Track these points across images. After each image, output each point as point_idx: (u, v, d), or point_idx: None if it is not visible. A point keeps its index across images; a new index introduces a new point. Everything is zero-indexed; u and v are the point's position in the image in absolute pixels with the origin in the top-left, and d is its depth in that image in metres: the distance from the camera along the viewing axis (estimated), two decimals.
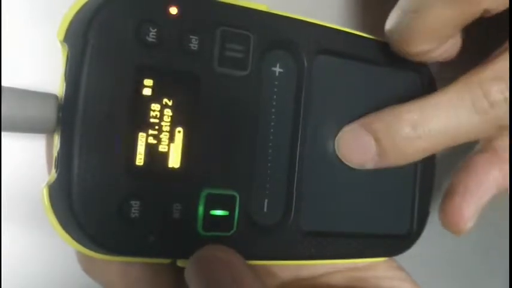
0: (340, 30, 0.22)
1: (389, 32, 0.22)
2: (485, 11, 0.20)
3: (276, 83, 0.21)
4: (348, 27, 0.22)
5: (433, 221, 0.24)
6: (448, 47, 0.22)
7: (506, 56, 0.21)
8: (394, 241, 0.24)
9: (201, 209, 0.19)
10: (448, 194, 0.24)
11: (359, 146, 0.21)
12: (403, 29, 0.21)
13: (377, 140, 0.21)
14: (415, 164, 0.23)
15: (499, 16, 0.21)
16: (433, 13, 0.20)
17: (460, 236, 0.23)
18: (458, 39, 0.22)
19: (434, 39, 0.21)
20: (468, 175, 0.23)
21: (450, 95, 0.21)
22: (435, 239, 0.24)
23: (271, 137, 0.21)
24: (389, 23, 0.22)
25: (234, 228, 0.20)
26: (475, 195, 0.23)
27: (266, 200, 0.21)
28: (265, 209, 0.21)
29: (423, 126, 0.21)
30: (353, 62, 0.22)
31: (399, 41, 0.22)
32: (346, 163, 0.22)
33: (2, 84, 0.18)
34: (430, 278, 0.25)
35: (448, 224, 0.23)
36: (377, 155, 0.21)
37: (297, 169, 0.21)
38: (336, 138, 0.22)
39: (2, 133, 0.18)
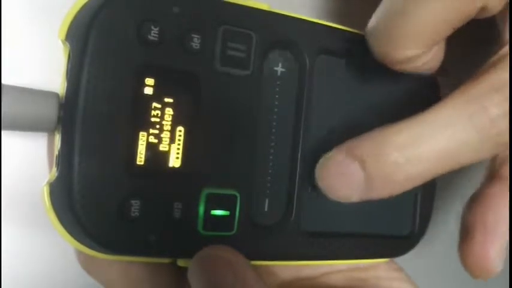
0: (342, 29, 0.22)
1: (370, 33, 0.20)
2: (482, 9, 0.19)
3: (278, 82, 0.21)
4: (349, 27, 0.22)
5: (432, 221, 0.24)
6: (432, 56, 0.20)
7: (503, 65, 0.19)
8: (396, 242, 0.24)
9: (201, 209, 0.19)
10: (467, 234, 0.21)
11: (344, 174, 0.19)
12: (387, 29, 0.19)
13: (363, 166, 0.18)
14: None
15: (491, 19, 0.20)
16: (425, 10, 0.18)
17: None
18: (442, 48, 0.21)
19: (423, 42, 0.19)
20: (484, 211, 0.21)
21: (445, 112, 0.18)
22: (435, 238, 0.24)
23: (272, 137, 0.21)
24: (372, 23, 0.20)
25: (235, 228, 0.20)
26: (497, 232, 0.21)
27: (267, 200, 0.21)
28: (266, 209, 0.21)
29: (413, 149, 0.18)
30: (355, 62, 0.22)
31: (382, 44, 0.19)
32: (329, 196, 0.19)
33: (3, 82, 0.18)
34: (430, 279, 0.25)
35: (475, 268, 0.21)
36: (364, 184, 0.19)
37: (298, 169, 0.21)
38: (316, 167, 0.20)
39: (3, 132, 0.18)
